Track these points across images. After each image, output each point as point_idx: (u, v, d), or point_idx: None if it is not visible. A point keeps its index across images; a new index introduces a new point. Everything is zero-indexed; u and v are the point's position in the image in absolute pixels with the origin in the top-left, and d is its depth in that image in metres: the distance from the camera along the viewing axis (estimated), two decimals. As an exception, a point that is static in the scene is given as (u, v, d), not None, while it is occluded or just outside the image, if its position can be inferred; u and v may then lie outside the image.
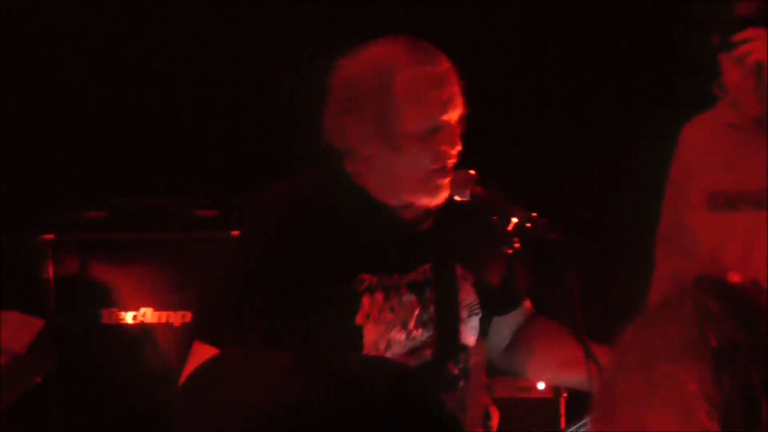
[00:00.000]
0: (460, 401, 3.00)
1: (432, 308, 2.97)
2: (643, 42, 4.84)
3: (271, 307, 2.86)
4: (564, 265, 2.79)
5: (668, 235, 3.51)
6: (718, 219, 3.38)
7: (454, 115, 2.90)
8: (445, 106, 2.89)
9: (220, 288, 2.95)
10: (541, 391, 4.17)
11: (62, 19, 4.71)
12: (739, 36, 3.21)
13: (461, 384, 3.00)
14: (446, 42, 2.91)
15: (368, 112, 2.87)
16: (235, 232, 4.15)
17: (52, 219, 4.31)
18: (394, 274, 2.93)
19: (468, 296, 3.04)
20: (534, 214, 2.86)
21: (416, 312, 2.95)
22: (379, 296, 2.91)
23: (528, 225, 2.84)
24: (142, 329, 4.19)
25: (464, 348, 3.02)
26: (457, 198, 2.91)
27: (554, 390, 4.14)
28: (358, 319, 2.89)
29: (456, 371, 2.99)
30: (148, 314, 4.18)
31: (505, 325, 3.16)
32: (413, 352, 2.95)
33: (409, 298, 2.94)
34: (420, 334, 2.95)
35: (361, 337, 2.89)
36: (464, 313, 3.03)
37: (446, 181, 2.89)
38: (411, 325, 2.94)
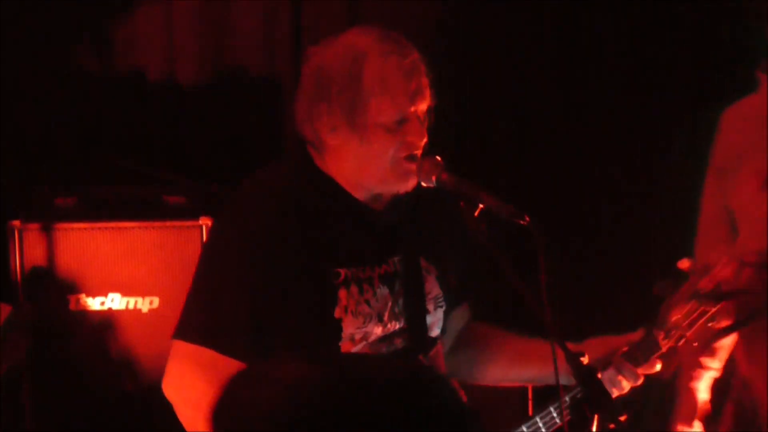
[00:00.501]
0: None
1: (401, 300, 2.98)
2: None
3: (251, 304, 2.88)
4: (532, 250, 2.80)
5: (712, 222, 3.48)
6: None
7: (422, 106, 2.91)
8: (414, 97, 2.89)
9: (199, 288, 2.96)
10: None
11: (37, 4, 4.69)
12: None
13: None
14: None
15: (337, 101, 2.88)
16: (204, 219, 4.14)
17: (20, 205, 4.29)
18: (366, 267, 2.94)
19: (433, 289, 3.06)
20: (500, 200, 2.86)
21: (389, 304, 2.96)
22: (354, 289, 2.92)
23: (495, 210, 2.84)
24: (109, 315, 4.17)
25: (432, 339, 3.04)
26: (423, 184, 2.92)
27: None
28: (336, 313, 2.91)
29: (425, 362, 3.01)
30: (116, 300, 4.17)
31: (451, 326, 3.16)
32: (384, 339, 2.97)
33: (382, 291, 2.96)
34: (394, 326, 2.97)
35: (340, 330, 2.91)
36: (430, 306, 3.05)
37: (413, 169, 2.89)
38: (386, 317, 2.96)
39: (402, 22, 4.59)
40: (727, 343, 3.46)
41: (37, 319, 4.07)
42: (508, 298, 4.56)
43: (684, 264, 2.97)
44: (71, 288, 4.14)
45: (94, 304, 4.16)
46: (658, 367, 2.96)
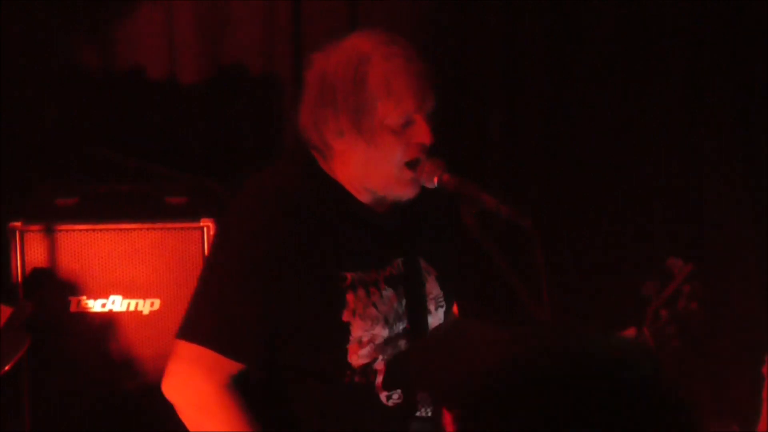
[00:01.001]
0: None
1: (404, 302, 3.00)
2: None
3: (257, 306, 2.89)
4: (532, 251, 2.81)
5: None
6: None
7: (427, 107, 2.93)
8: (419, 100, 2.91)
9: (205, 289, 2.97)
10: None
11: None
12: None
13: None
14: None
15: (343, 106, 2.90)
16: (205, 221, 4.14)
17: (21, 205, 4.28)
18: (372, 270, 2.96)
19: (434, 289, 3.08)
20: (502, 201, 2.87)
21: (394, 306, 2.98)
22: (361, 292, 2.94)
23: (496, 211, 2.85)
24: (110, 318, 4.17)
25: None
26: (425, 185, 2.93)
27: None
28: (345, 316, 2.93)
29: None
30: (116, 302, 4.16)
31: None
32: (389, 342, 2.97)
33: (388, 293, 2.98)
34: (398, 328, 2.99)
35: (348, 333, 2.93)
36: (432, 306, 3.07)
37: (417, 177, 2.91)
38: (391, 319, 2.98)
39: (401, 22, 4.65)
40: None
41: (38, 319, 4.06)
42: (503, 298, 4.60)
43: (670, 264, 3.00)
44: (72, 290, 4.13)
45: (95, 306, 4.15)
46: None
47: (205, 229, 4.13)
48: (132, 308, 4.16)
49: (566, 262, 4.76)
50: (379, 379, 2.95)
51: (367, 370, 2.94)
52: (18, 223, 4.15)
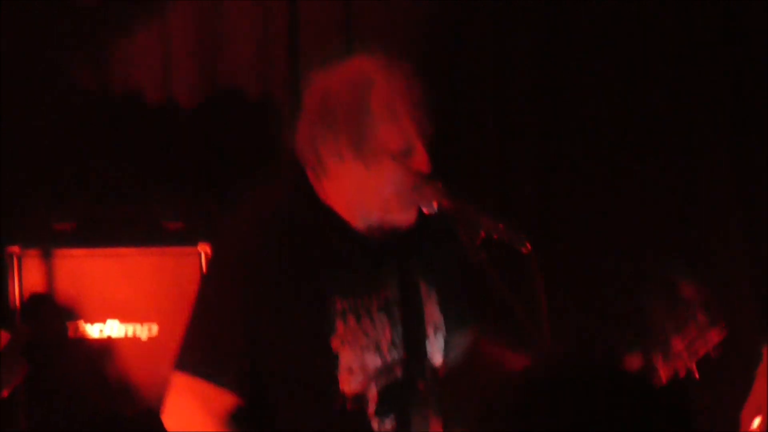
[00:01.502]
0: (426, 417, 2.99)
1: (400, 328, 2.97)
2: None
3: (248, 334, 2.87)
4: (532, 275, 2.79)
5: None
6: None
7: (427, 134, 2.90)
8: (420, 126, 2.89)
9: (196, 318, 2.95)
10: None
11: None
12: None
13: (430, 401, 2.99)
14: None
15: (344, 127, 2.86)
16: (202, 245, 4.13)
17: (18, 229, 4.27)
18: (364, 296, 2.93)
19: (433, 314, 3.03)
20: (502, 225, 2.85)
21: (387, 333, 2.94)
22: (351, 320, 2.91)
23: (496, 236, 2.83)
24: (107, 343, 4.16)
25: (432, 366, 3.02)
26: (424, 210, 2.90)
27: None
28: (334, 344, 2.90)
29: (423, 388, 2.99)
30: (114, 327, 4.15)
31: (452, 352, 3.13)
32: (383, 372, 2.95)
33: (380, 319, 2.94)
34: (393, 356, 2.96)
35: (337, 360, 2.90)
36: (430, 331, 3.03)
37: (415, 199, 2.88)
38: (384, 348, 2.95)
39: (397, 27, 4.64)
40: None
41: (35, 344, 4.05)
42: (502, 321, 4.57)
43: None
44: (70, 314, 4.13)
45: (93, 331, 4.15)
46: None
47: (202, 253, 4.13)
48: (130, 333, 4.15)
49: (563, 276, 4.73)
50: (372, 407, 2.92)
51: (360, 398, 2.91)
52: (16, 248, 4.14)
